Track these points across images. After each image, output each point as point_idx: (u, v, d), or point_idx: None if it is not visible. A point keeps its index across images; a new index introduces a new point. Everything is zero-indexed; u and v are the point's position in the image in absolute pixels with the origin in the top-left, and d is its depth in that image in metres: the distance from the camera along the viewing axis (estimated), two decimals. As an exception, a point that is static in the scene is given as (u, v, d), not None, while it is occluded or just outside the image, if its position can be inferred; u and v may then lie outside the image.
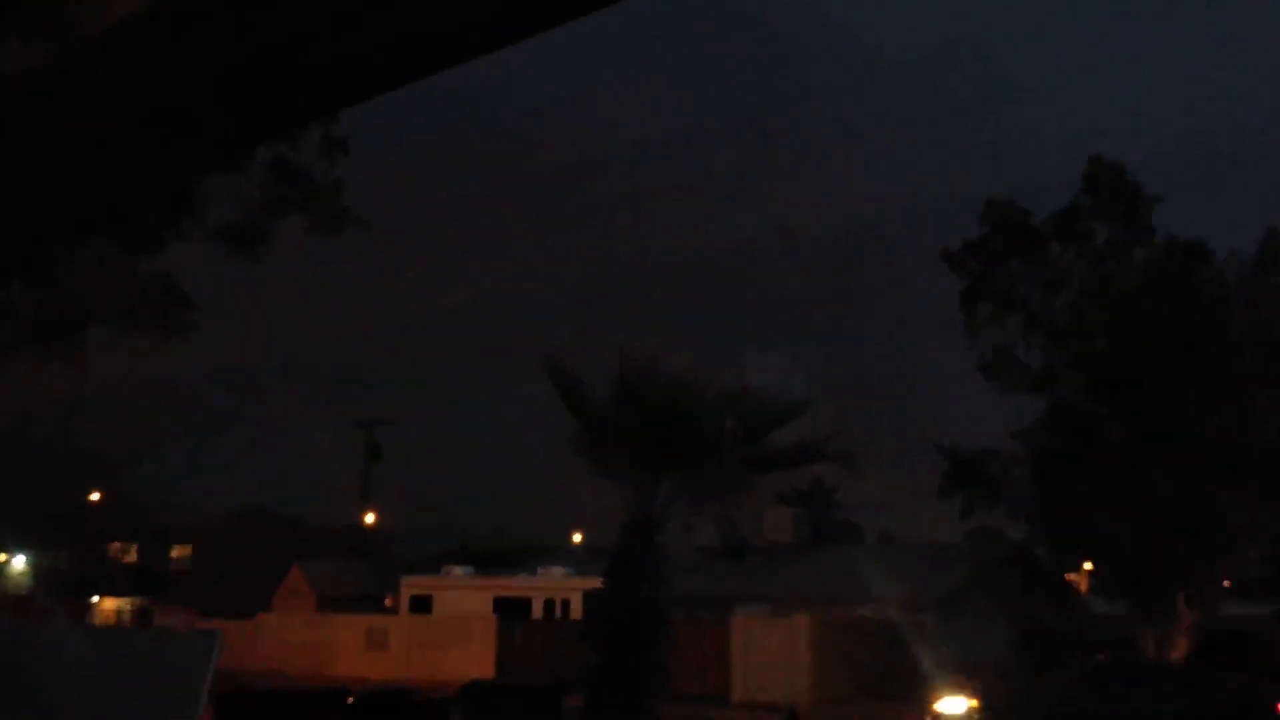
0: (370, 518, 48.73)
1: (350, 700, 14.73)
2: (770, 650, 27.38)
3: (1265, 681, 19.44)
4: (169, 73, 2.29)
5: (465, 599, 34.27)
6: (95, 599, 44.57)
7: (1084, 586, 33.97)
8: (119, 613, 44.00)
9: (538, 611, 33.63)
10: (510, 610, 32.88)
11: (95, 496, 44.60)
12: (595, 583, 17.41)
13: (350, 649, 33.10)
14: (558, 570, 34.62)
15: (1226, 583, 27.69)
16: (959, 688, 19.91)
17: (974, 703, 19.43)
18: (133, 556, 48.67)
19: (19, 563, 40.79)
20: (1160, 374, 23.96)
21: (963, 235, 26.67)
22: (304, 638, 34.00)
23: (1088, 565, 31.35)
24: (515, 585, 34.73)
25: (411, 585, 36.16)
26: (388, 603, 39.02)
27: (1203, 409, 23.77)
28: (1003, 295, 26.13)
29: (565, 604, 32.98)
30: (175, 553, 48.48)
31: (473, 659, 29.63)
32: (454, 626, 32.26)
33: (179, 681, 1.47)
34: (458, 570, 36.42)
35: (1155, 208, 25.78)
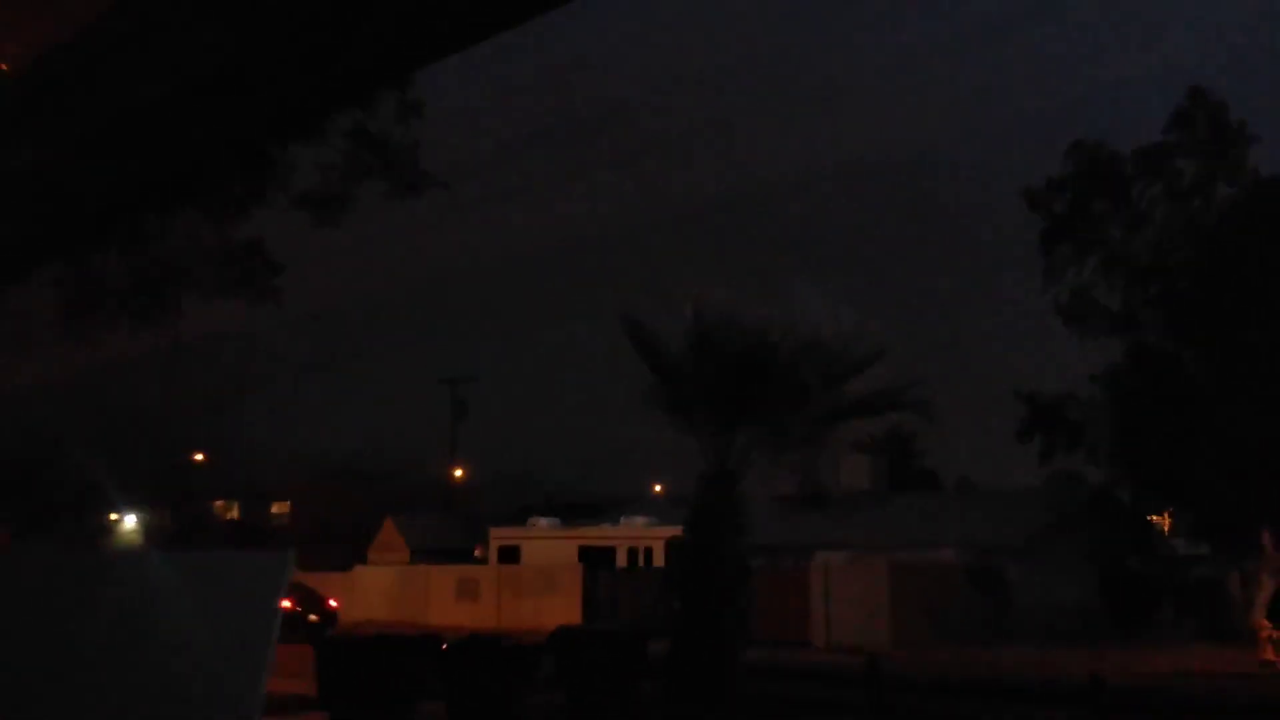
0: (458, 473, 49.87)
1: (444, 647, 15.24)
2: (849, 596, 27.48)
3: None
4: (239, 35, 2.35)
5: (551, 549, 34.99)
6: (201, 554, 46.22)
7: (1167, 528, 33.57)
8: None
9: (621, 560, 34.18)
10: (595, 559, 33.45)
11: (198, 456, 46.19)
12: (677, 531, 17.73)
13: (443, 599, 34.04)
14: (640, 520, 35.06)
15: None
16: None
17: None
18: (235, 513, 50.42)
19: (130, 521, 42.47)
20: (1247, 313, 23.50)
21: (1040, 171, 26.34)
22: (398, 588, 35.01)
23: (1169, 509, 30.97)
24: (599, 535, 35.29)
25: (499, 537, 37.02)
26: (477, 554, 40.02)
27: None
28: (1084, 235, 25.72)
29: (648, 552, 33.45)
30: (274, 509, 50.10)
31: (560, 607, 30.29)
32: (541, 576, 32.95)
33: (252, 601, 1.57)
34: (543, 521, 37.16)
35: (1250, 148, 25.11)
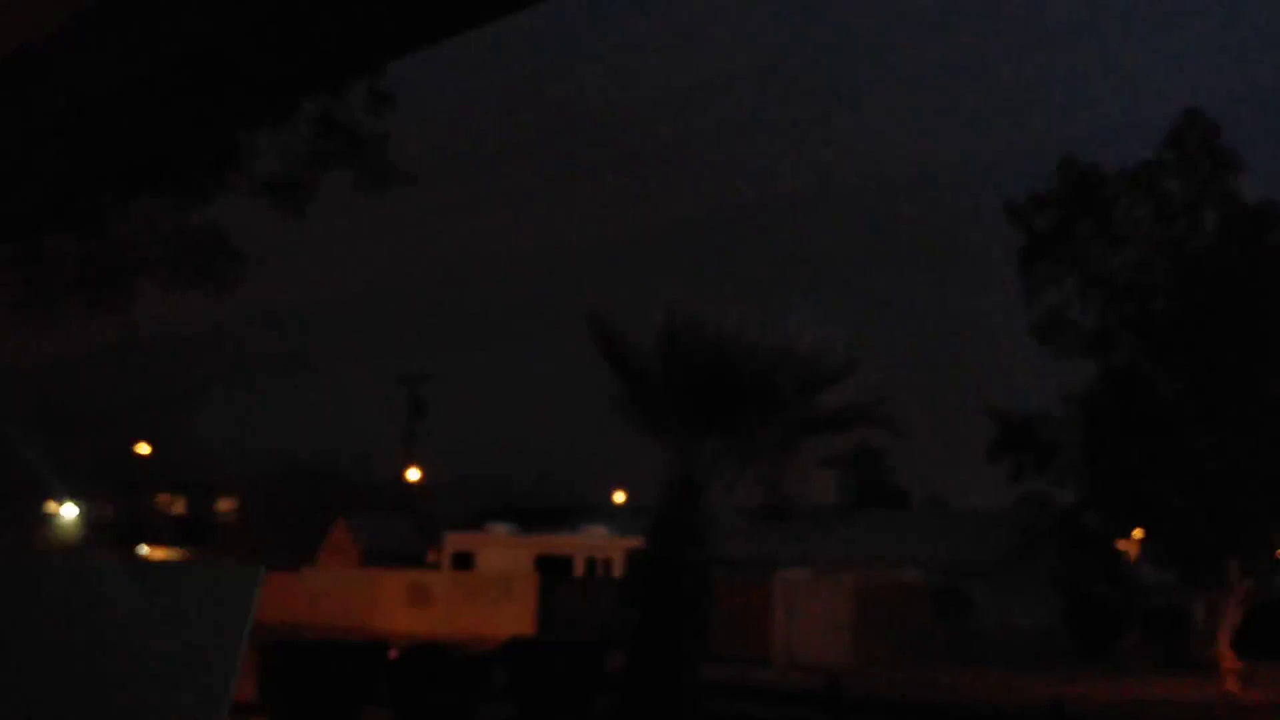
0: (414, 474, 49.15)
1: (392, 654, 14.81)
2: (812, 613, 27.34)
3: None
4: (211, 19, 2.29)
5: (507, 556, 34.48)
6: (144, 549, 45.50)
7: (1134, 554, 33.67)
8: (167, 563, 44.90)
9: (579, 570, 33.78)
10: (552, 568, 33.03)
11: (144, 448, 45.37)
12: (637, 542, 17.36)
13: (393, 604, 33.45)
14: (599, 529, 34.78)
15: (1281, 553, 27.28)
16: None
17: None
18: (180, 508, 49.59)
19: (69, 512, 41.59)
20: (1222, 339, 23.48)
21: (1016, 189, 26.20)
22: (347, 591, 34.42)
23: (1138, 533, 31.04)
24: (557, 543, 34.88)
25: (454, 541, 36.45)
26: (431, 558, 39.37)
27: (1264, 376, 23.32)
28: (1063, 254, 25.63)
29: (607, 563, 33.11)
30: (222, 505, 49.31)
31: (514, 616, 29.80)
32: (496, 583, 32.50)
33: (221, 615, 1.50)
34: (500, 527, 36.63)
35: (1239, 176, 25.06)
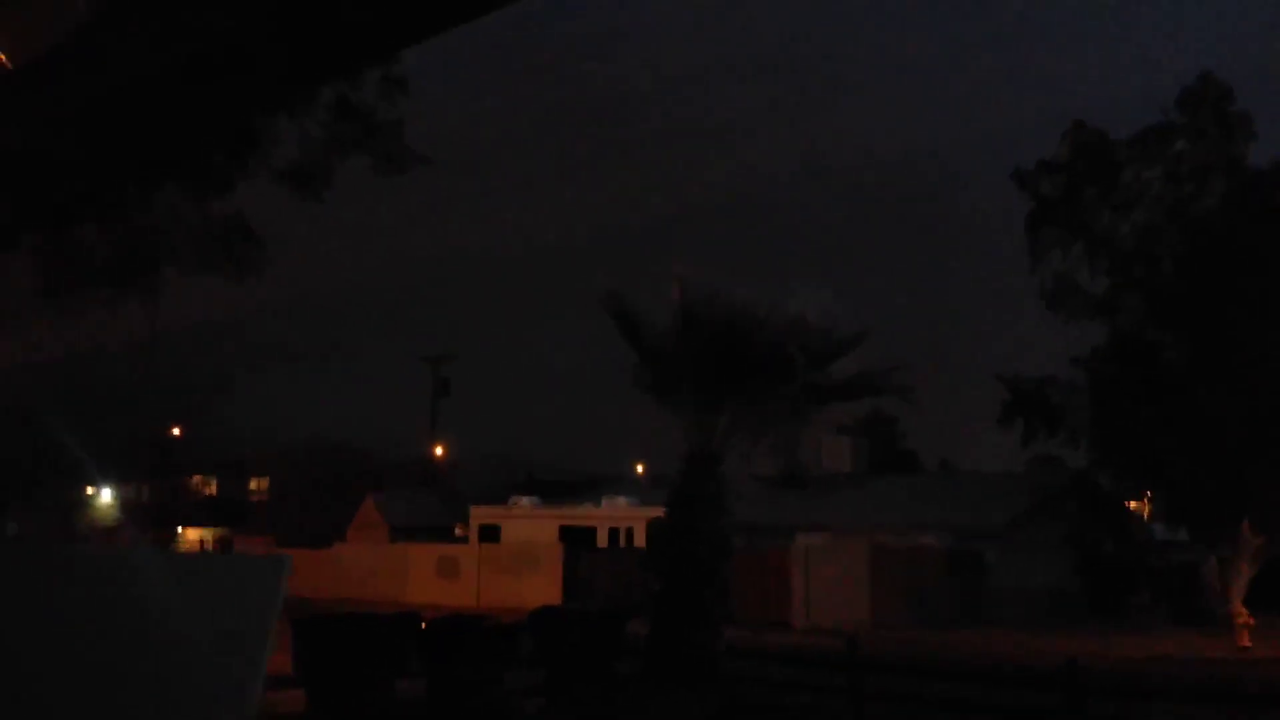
0: (439, 450, 49.79)
1: (423, 625, 15.17)
2: (829, 577, 27.54)
3: None
4: (230, 12, 2.40)
5: (532, 528, 34.98)
6: (179, 529, 46.29)
7: (1146, 513, 33.70)
8: (201, 543, 45.71)
9: (602, 540, 34.19)
10: (576, 539, 33.46)
11: (176, 431, 46.02)
12: (658, 512, 17.70)
13: (422, 577, 33.99)
14: (621, 500, 35.07)
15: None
16: None
17: None
18: (213, 489, 50.18)
19: (105, 495, 42.30)
20: (1229, 299, 23.53)
21: (1025, 158, 26.26)
22: (378, 566, 34.94)
23: (1149, 493, 31.10)
24: (580, 514, 35.30)
25: (480, 515, 36.97)
26: (458, 532, 39.96)
27: (1270, 338, 23.35)
28: (1070, 219, 25.64)
29: (629, 532, 33.48)
30: (253, 485, 49.87)
31: (540, 586, 30.28)
32: (522, 554, 32.94)
33: (250, 604, 1.58)
34: (524, 500, 37.12)
35: (1252, 145, 25.03)
